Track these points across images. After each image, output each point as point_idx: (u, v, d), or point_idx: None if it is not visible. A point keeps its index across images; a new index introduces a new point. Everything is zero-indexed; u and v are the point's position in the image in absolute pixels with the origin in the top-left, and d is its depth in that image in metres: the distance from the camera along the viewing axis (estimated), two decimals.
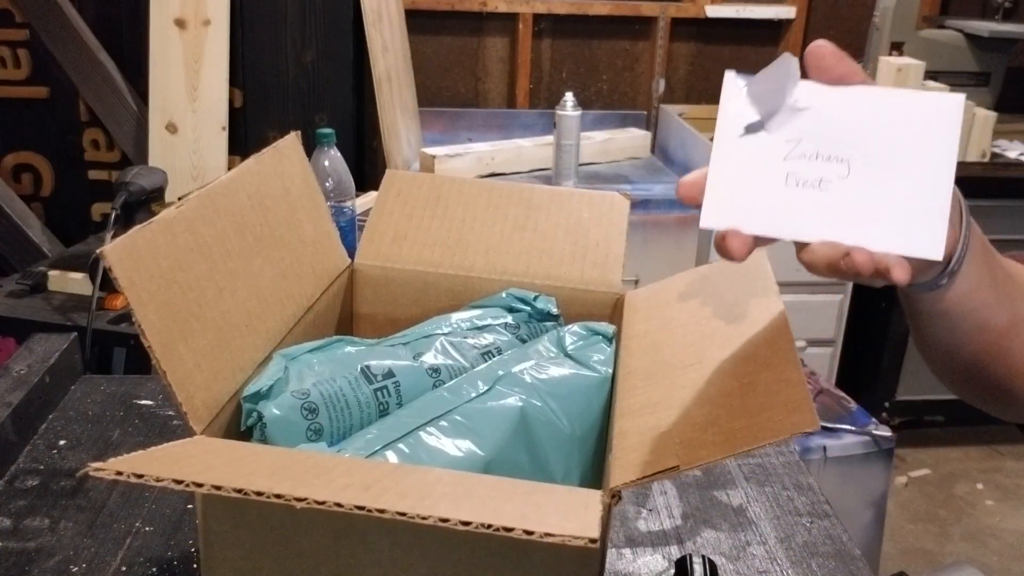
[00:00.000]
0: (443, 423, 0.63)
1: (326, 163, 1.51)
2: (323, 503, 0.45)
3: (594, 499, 0.50)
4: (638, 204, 2.17)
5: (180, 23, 2.13)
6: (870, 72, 2.58)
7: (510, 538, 0.44)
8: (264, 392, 0.63)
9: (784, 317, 0.61)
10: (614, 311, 0.82)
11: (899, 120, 0.52)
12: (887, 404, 2.74)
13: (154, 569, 0.73)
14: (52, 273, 1.63)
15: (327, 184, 1.50)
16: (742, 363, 0.58)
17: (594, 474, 0.68)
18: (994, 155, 2.53)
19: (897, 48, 2.64)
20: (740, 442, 0.49)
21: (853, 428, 1.68)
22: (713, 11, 2.78)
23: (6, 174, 2.35)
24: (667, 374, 0.62)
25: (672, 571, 0.74)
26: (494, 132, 2.67)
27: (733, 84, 0.54)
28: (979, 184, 2.46)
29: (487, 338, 0.76)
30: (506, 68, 2.79)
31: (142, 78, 2.18)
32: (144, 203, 1.55)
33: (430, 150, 2.31)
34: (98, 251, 0.54)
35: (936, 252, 0.50)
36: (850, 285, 2.50)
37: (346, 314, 0.86)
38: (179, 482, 0.46)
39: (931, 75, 2.52)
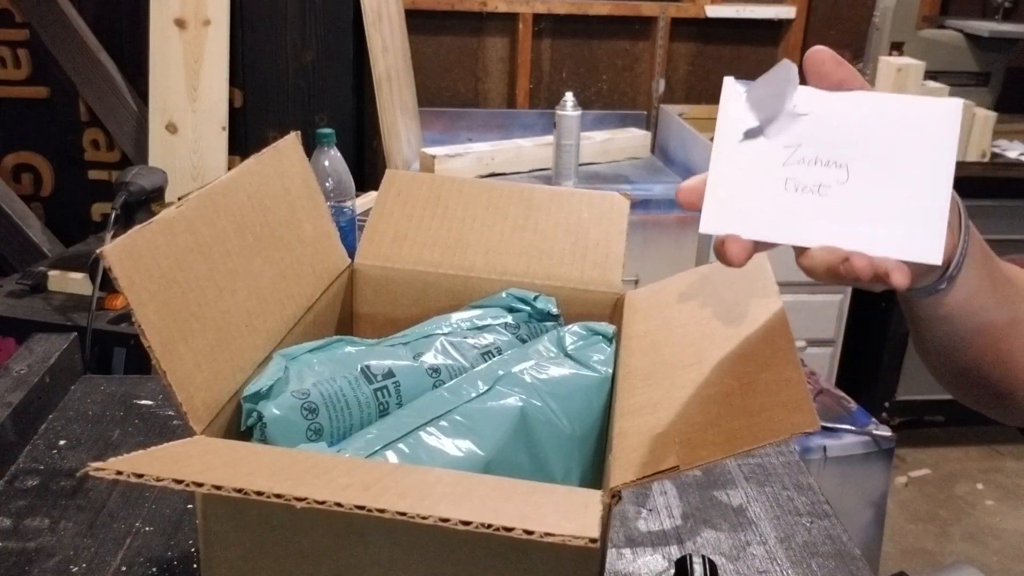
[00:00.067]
0: (443, 423, 0.63)
1: (326, 163, 1.51)
2: (323, 503, 0.45)
3: (594, 499, 0.50)
4: (638, 204, 2.17)
5: (180, 23, 2.13)
6: (870, 72, 2.58)
7: (510, 538, 0.44)
8: (264, 392, 0.63)
9: (784, 317, 0.61)
10: (614, 311, 0.82)
11: (898, 125, 0.52)
12: (887, 404, 2.74)
13: (154, 569, 0.73)
14: (52, 273, 1.63)
15: (327, 184, 1.50)
16: (742, 363, 0.58)
17: (594, 474, 0.68)
18: (994, 155, 2.53)
19: (897, 48, 2.64)
20: (740, 442, 0.49)
21: (853, 428, 1.68)
22: (713, 11, 2.78)
23: (6, 174, 2.35)
24: (667, 374, 0.62)
25: (672, 571, 0.74)
26: (494, 132, 2.67)
27: (732, 90, 0.54)
28: (979, 184, 2.46)
29: (487, 338, 0.76)
30: (506, 68, 2.79)
31: (142, 78, 2.18)
32: (144, 203, 1.55)
33: (430, 150, 2.31)
34: (98, 251, 0.54)
35: (935, 257, 0.51)
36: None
37: (346, 314, 0.86)
38: (179, 482, 0.46)
39: (931, 75, 2.52)
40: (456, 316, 0.79)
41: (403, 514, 0.44)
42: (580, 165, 2.36)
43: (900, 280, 0.50)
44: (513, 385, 0.67)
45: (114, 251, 0.55)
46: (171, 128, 2.16)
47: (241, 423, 0.63)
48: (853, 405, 1.77)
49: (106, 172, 2.36)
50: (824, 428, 1.67)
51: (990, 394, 0.66)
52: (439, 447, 0.62)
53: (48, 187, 2.39)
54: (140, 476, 0.46)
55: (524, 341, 0.77)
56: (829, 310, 2.55)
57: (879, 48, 2.65)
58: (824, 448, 1.64)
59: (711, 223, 0.52)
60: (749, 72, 0.54)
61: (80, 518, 0.79)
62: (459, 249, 0.85)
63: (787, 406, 0.50)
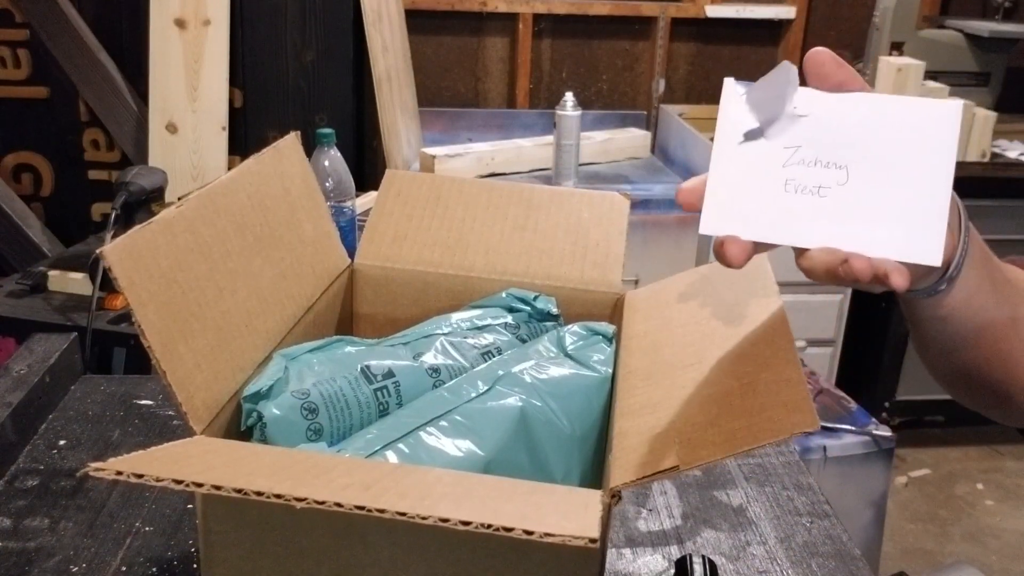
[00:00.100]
0: (443, 423, 0.63)
1: (326, 163, 1.51)
2: (323, 503, 0.45)
3: (594, 499, 0.50)
4: (638, 204, 2.17)
5: (180, 23, 2.13)
6: (870, 72, 2.58)
7: (510, 538, 0.44)
8: (264, 392, 0.63)
9: (784, 317, 0.61)
10: (614, 311, 0.82)
11: (898, 126, 0.52)
12: (887, 404, 2.74)
13: (154, 569, 0.73)
14: (52, 273, 1.63)
15: (327, 184, 1.50)
16: (742, 363, 0.58)
17: (594, 474, 0.68)
18: (994, 155, 2.53)
19: (897, 48, 2.64)
20: (740, 442, 0.49)
21: (853, 428, 1.68)
22: (713, 11, 2.78)
23: (6, 174, 2.35)
24: (667, 374, 0.62)
25: (672, 571, 0.74)
26: (494, 132, 2.67)
27: (732, 91, 0.54)
28: (979, 184, 2.46)
29: (487, 338, 0.76)
30: (506, 68, 2.79)
31: (142, 78, 2.18)
32: (144, 203, 1.55)
33: (430, 150, 2.31)
34: (98, 251, 0.54)
35: (935, 258, 0.51)
36: None
37: (346, 314, 0.86)
38: (179, 482, 0.46)
39: (931, 75, 2.52)
40: (456, 316, 0.79)
41: (403, 514, 0.44)
42: (580, 165, 2.36)
43: (899, 282, 0.50)
44: (513, 385, 0.67)
45: (114, 251, 0.55)
46: (171, 128, 2.16)
47: (241, 423, 0.63)
48: (853, 405, 1.77)
49: (106, 172, 2.36)
50: (824, 428, 1.67)
51: (990, 395, 0.66)
52: (439, 447, 0.62)
53: (48, 187, 2.39)
54: (140, 476, 0.46)
55: (524, 341, 0.77)
56: (829, 310, 2.55)
57: (879, 48, 2.65)
58: (824, 448, 1.64)
59: (711, 224, 0.52)
60: (749, 72, 0.54)
61: (80, 518, 0.79)
62: (459, 249, 0.85)
63: (787, 406, 0.50)
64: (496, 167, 2.38)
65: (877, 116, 0.52)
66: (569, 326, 0.75)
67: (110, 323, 1.48)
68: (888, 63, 2.47)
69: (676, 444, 0.52)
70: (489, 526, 0.44)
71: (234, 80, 2.22)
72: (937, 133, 0.52)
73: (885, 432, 1.68)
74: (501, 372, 0.68)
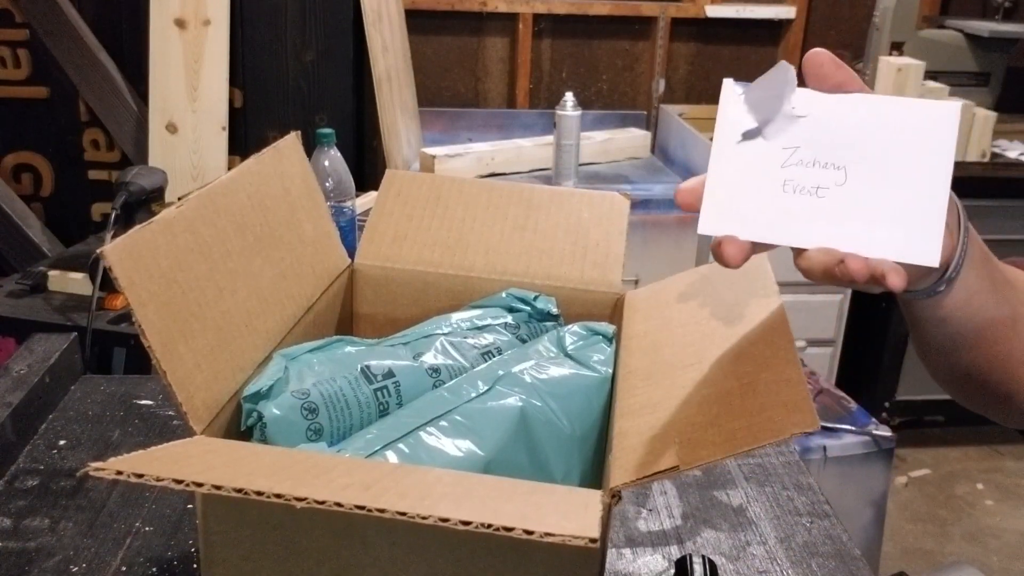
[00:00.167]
0: (443, 423, 0.63)
1: (326, 163, 1.51)
2: (323, 503, 0.45)
3: (594, 499, 0.50)
4: (638, 204, 2.17)
5: (180, 23, 2.13)
6: (870, 72, 2.58)
7: (510, 538, 0.44)
8: (264, 392, 0.63)
9: (784, 317, 0.61)
10: (614, 311, 0.82)
11: (896, 127, 0.52)
12: (887, 404, 2.74)
13: (154, 569, 0.73)
14: (52, 273, 1.63)
15: (327, 184, 1.50)
16: (742, 363, 0.58)
17: (594, 474, 0.68)
18: (994, 155, 2.53)
19: (897, 48, 2.64)
20: (740, 442, 0.49)
21: (853, 428, 1.68)
22: (713, 11, 2.78)
23: (6, 174, 2.35)
24: (667, 374, 0.62)
25: (672, 571, 0.74)
26: (494, 132, 2.67)
27: (731, 91, 0.54)
28: (979, 184, 2.46)
29: (487, 338, 0.76)
30: (506, 68, 2.79)
31: (142, 78, 2.18)
32: (144, 203, 1.55)
33: (430, 150, 2.32)
34: (98, 251, 0.54)
35: (933, 259, 0.51)
36: None
37: (346, 314, 0.86)
38: (179, 482, 0.46)
39: (931, 75, 2.52)
40: (456, 316, 0.79)
41: (403, 514, 0.44)
42: (580, 165, 2.36)
43: (896, 282, 0.50)
44: (513, 385, 0.67)
45: (114, 251, 0.55)
46: (171, 128, 2.16)
47: (241, 423, 0.63)
48: (853, 405, 1.77)
49: (106, 172, 2.36)
50: (824, 428, 1.67)
51: (990, 396, 0.66)
52: (439, 447, 0.62)
53: (48, 187, 2.39)
54: (140, 476, 0.46)
55: (524, 341, 0.77)
56: (829, 310, 2.55)
57: (879, 48, 2.65)
58: (824, 448, 1.64)
59: (709, 224, 0.53)
60: (749, 72, 0.54)
61: (80, 518, 0.79)
62: (459, 249, 0.85)
63: (787, 406, 0.50)
64: (496, 167, 2.38)
65: (876, 117, 0.52)
66: (569, 326, 0.75)
67: (110, 323, 1.48)
68: (888, 63, 2.47)
69: (676, 444, 0.52)
70: (489, 526, 0.44)
71: (234, 80, 2.22)
72: (936, 134, 0.52)
73: (885, 432, 1.68)
74: (501, 372, 0.68)
